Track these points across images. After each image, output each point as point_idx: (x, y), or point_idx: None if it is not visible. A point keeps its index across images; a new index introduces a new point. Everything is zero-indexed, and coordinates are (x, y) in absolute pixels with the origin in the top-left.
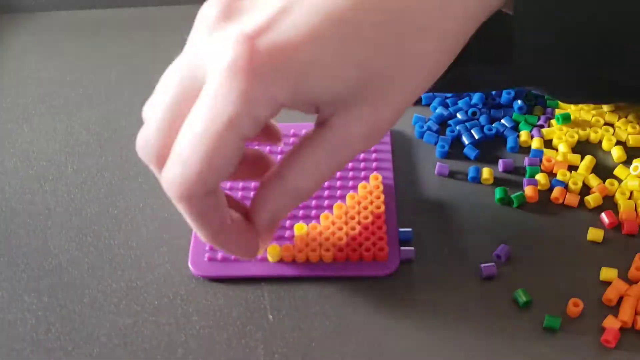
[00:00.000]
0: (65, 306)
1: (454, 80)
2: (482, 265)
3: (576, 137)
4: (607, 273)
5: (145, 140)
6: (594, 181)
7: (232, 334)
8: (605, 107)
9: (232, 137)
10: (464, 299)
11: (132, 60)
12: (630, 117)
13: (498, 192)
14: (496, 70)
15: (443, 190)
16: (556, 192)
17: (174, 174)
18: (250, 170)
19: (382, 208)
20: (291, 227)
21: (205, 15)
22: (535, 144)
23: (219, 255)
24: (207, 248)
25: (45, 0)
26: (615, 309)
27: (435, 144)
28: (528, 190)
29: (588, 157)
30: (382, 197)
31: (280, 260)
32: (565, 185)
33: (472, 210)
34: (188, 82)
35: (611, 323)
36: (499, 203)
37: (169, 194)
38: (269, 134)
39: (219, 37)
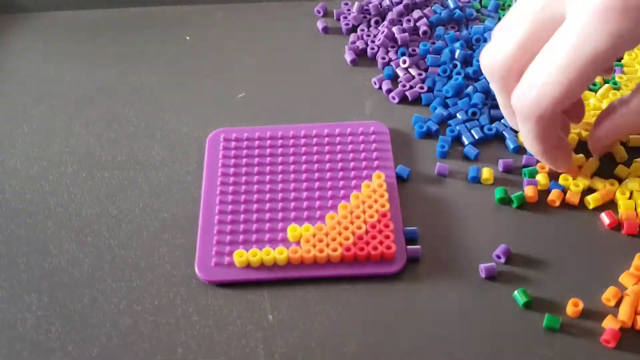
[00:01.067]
0: (65, 306)
1: None
2: (482, 265)
3: (577, 138)
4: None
5: (494, 59)
6: (599, 184)
7: (232, 334)
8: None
9: (592, 70)
10: (464, 299)
11: (132, 60)
12: None
13: (498, 192)
14: None
15: (443, 190)
16: (553, 194)
17: (530, 96)
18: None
19: (387, 206)
20: (284, 230)
21: None
22: None
23: (226, 260)
24: (213, 253)
25: (45, 0)
26: (615, 309)
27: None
28: (528, 190)
29: (593, 159)
30: (386, 195)
31: (288, 263)
32: (563, 189)
33: (472, 210)
34: (547, 15)
35: (611, 323)
36: (499, 203)
37: (520, 111)
38: (577, 107)
39: None
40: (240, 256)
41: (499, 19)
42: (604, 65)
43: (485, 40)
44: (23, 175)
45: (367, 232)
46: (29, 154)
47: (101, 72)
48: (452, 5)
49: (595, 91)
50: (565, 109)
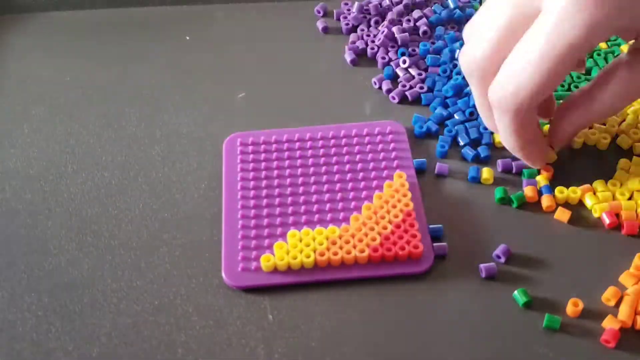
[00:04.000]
0: (65, 306)
1: None
2: (482, 265)
3: (582, 138)
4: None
5: (472, 56)
6: (600, 186)
7: (232, 334)
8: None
9: (569, 61)
10: (464, 299)
11: (132, 60)
12: (629, 120)
13: (498, 192)
14: None
15: (443, 190)
16: (546, 200)
17: (508, 88)
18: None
19: (411, 206)
20: (283, 235)
21: None
22: None
23: (253, 265)
24: (239, 258)
25: (45, 0)
26: (615, 309)
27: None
28: (528, 191)
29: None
30: (410, 194)
31: (315, 266)
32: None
33: (472, 210)
34: (522, 9)
35: (611, 323)
36: (499, 203)
37: (498, 104)
38: (547, 102)
39: None
40: (268, 260)
41: None
42: (579, 55)
43: None
44: (23, 175)
45: (393, 232)
46: (29, 154)
47: (101, 72)
48: (452, 5)
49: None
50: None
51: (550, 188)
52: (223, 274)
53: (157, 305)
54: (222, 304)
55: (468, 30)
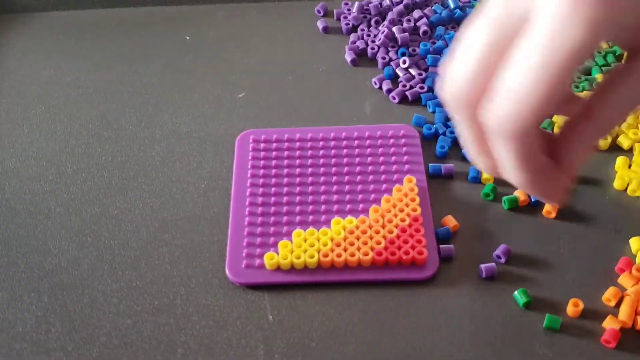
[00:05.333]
0: (65, 306)
1: None
2: (482, 265)
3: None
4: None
5: (458, 87)
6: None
7: (232, 334)
8: None
9: (575, 64)
10: (464, 299)
11: (132, 60)
12: (629, 120)
13: (486, 188)
14: None
15: (443, 191)
16: (547, 206)
17: (506, 108)
18: None
19: (419, 211)
20: (289, 234)
21: None
22: None
23: (256, 262)
24: (244, 255)
25: (45, 0)
26: (615, 309)
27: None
28: (518, 193)
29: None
30: (418, 199)
31: (318, 267)
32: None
33: (473, 210)
34: (507, 19)
35: (611, 323)
36: (484, 198)
37: (497, 130)
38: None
39: None
40: (271, 259)
41: None
42: (585, 58)
43: None
44: (23, 175)
45: (398, 236)
46: (29, 154)
47: (101, 72)
48: (452, 5)
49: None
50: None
51: None
52: (227, 270)
53: (157, 305)
54: (222, 304)
55: (444, 67)
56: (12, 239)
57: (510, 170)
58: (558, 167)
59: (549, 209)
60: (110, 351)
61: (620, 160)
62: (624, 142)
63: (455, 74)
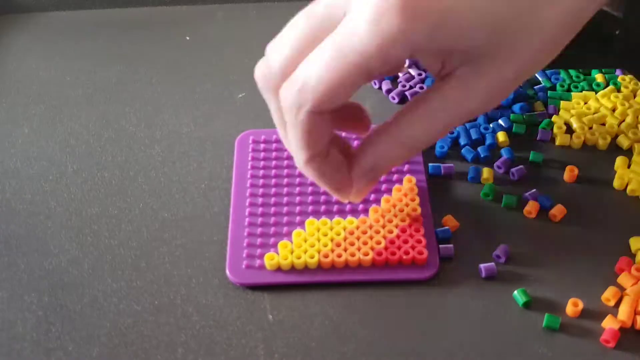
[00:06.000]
0: (65, 306)
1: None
2: (482, 265)
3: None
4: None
5: (268, 67)
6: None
7: (232, 334)
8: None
9: (356, 74)
10: (464, 299)
11: (132, 60)
12: (629, 120)
13: (485, 188)
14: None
15: (443, 191)
16: (555, 210)
17: (296, 85)
18: (350, 120)
19: (419, 211)
20: (289, 234)
21: None
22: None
23: (257, 263)
24: (244, 255)
25: (45, 0)
26: (614, 309)
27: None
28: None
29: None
30: (418, 199)
31: (318, 267)
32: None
33: (472, 210)
34: (326, 16)
35: (610, 323)
36: (483, 197)
37: (284, 104)
38: (358, 119)
39: None
40: (271, 259)
41: None
42: (369, 71)
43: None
44: (23, 175)
45: (398, 236)
46: (29, 154)
47: (101, 72)
48: None
49: (596, 92)
50: (345, 119)
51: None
52: (227, 271)
53: (157, 305)
54: (222, 304)
55: (269, 47)
56: (12, 239)
57: (295, 148)
58: (350, 166)
59: (528, 209)
60: (110, 351)
61: (620, 160)
62: (623, 142)
63: (269, 57)
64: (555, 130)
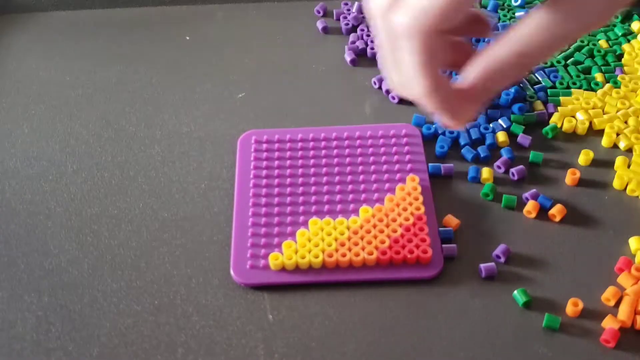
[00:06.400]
0: (65, 306)
1: None
2: (482, 265)
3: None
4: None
5: None
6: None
7: (232, 334)
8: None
9: None
10: (464, 299)
11: (132, 60)
12: (631, 121)
13: (485, 188)
14: None
15: (443, 190)
16: (554, 209)
17: (416, 7)
18: (472, 25)
19: (422, 209)
20: (293, 234)
21: None
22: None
23: (261, 263)
24: (248, 256)
25: (45, 0)
26: (614, 309)
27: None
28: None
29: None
30: (421, 198)
31: (323, 266)
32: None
33: (472, 210)
34: None
35: (610, 323)
36: (483, 197)
37: (404, 30)
38: (478, 22)
39: None
40: (276, 259)
41: (499, 19)
42: None
43: (484, 41)
44: (23, 175)
45: (402, 235)
46: (29, 154)
47: (101, 72)
48: None
49: (596, 91)
50: (469, 24)
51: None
52: (231, 271)
53: (157, 305)
54: (222, 304)
55: None
56: (12, 239)
57: (414, 76)
58: (463, 89)
59: (528, 209)
60: (110, 351)
61: (620, 160)
62: (623, 142)
63: None
64: (558, 117)
